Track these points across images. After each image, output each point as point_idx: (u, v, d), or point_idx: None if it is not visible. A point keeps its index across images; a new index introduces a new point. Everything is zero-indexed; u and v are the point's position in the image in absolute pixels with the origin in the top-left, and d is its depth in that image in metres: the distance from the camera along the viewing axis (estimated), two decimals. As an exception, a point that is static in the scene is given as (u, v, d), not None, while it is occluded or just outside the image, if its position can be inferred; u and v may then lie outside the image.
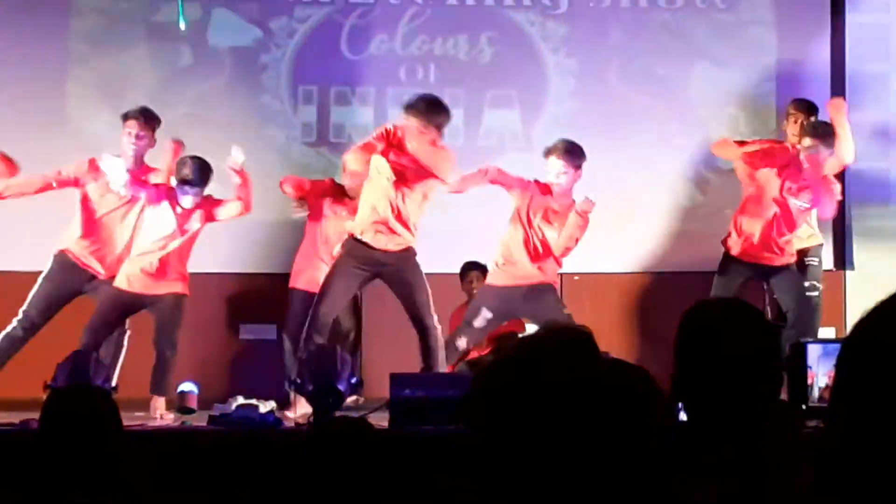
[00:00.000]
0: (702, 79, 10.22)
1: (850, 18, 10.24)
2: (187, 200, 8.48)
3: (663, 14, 10.28)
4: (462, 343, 8.46)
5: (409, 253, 8.18)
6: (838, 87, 10.14)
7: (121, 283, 8.49)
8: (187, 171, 8.43)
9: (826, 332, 8.90)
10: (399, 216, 8.11)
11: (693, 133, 10.12)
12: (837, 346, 1.76)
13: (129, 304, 8.52)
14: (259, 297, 9.82)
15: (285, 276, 9.62)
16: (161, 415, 8.25)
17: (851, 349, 1.73)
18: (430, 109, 8.12)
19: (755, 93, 10.18)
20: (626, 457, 2.00)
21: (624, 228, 9.82)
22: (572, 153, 8.46)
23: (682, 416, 2.98)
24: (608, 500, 1.95)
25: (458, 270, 9.40)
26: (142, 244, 8.56)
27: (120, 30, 9.97)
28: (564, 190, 8.47)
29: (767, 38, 10.31)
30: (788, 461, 2.81)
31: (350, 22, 10.11)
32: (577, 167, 8.46)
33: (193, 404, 8.10)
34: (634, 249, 9.93)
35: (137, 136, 8.56)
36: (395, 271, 8.19)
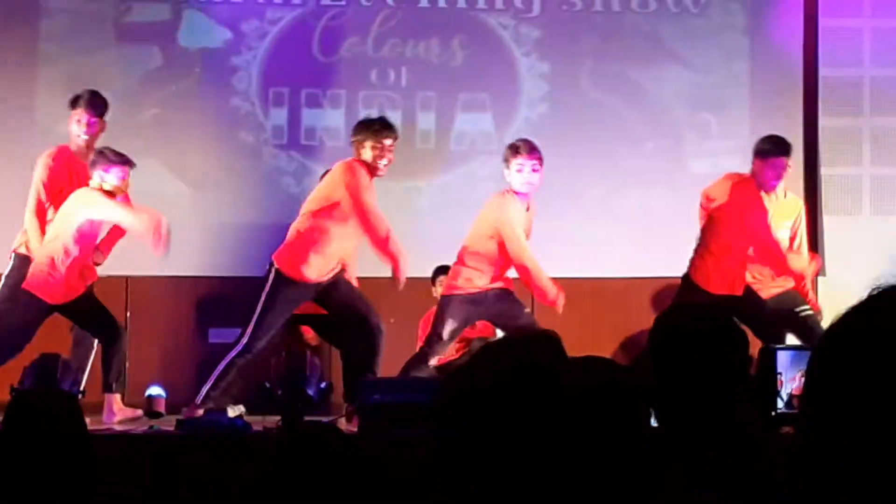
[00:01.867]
0: (674, 83, 10.22)
1: (823, 23, 10.26)
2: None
3: (636, 18, 10.28)
4: (433, 361, 8.31)
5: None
6: (811, 92, 10.17)
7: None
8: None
9: (793, 339, 8.90)
10: None
11: (665, 137, 10.12)
12: (807, 352, 1.75)
13: None
14: (228, 300, 9.78)
15: (255, 280, 9.57)
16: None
17: (822, 355, 1.71)
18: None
19: (728, 98, 10.19)
20: (599, 456, 1.98)
21: (593, 232, 9.81)
22: (537, 149, 8.29)
23: (653, 422, 2.96)
24: (579, 500, 1.93)
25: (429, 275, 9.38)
26: None
27: (89, 31, 9.92)
28: (536, 188, 8.31)
29: (740, 43, 10.32)
30: (759, 466, 2.80)
31: (321, 24, 10.08)
32: (542, 163, 8.31)
33: (161, 408, 8.06)
34: (603, 253, 9.92)
35: (88, 124, 8.46)
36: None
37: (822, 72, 10.26)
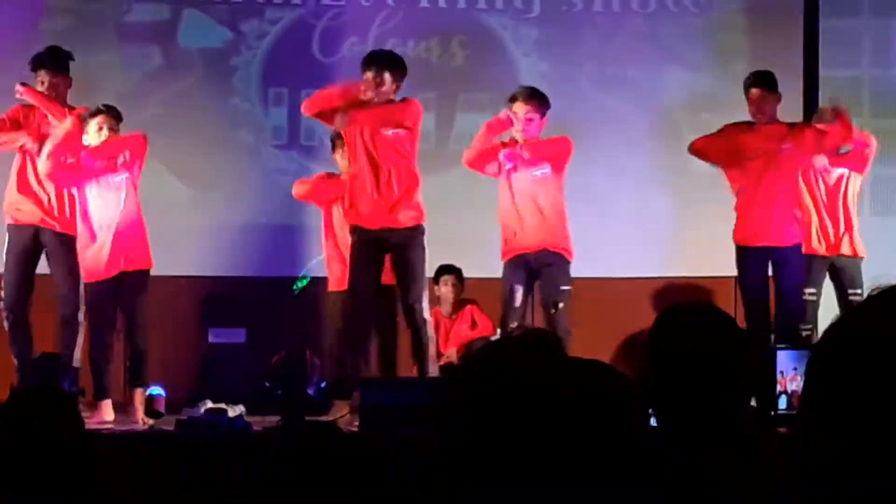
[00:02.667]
0: (674, 83, 10.22)
1: (824, 23, 10.26)
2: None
3: (636, 18, 10.28)
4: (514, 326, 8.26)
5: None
6: (811, 92, 10.17)
7: None
8: None
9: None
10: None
11: (665, 137, 10.12)
12: (806, 352, 1.75)
13: None
14: (228, 300, 9.78)
15: (255, 280, 9.60)
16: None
17: (822, 355, 1.71)
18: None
19: (727, 98, 10.19)
20: (595, 457, 1.98)
21: (593, 232, 9.80)
22: (538, 97, 8.41)
23: (653, 422, 2.96)
24: (579, 500, 1.94)
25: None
26: None
27: (90, 30, 9.91)
28: (533, 136, 8.40)
29: (740, 43, 10.32)
30: (758, 466, 2.80)
31: (322, 24, 10.08)
32: (543, 114, 8.41)
33: (161, 408, 8.05)
34: (603, 254, 9.91)
35: (52, 84, 8.45)
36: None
37: (822, 72, 10.26)
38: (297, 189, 9.07)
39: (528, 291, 8.44)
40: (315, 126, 9.97)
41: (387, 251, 8.13)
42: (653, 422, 2.98)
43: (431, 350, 8.10)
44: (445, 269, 9.38)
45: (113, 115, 8.33)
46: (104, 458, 4.17)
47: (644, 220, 10.03)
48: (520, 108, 8.39)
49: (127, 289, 8.29)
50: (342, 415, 7.58)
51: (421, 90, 9.96)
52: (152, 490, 6.24)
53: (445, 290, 9.44)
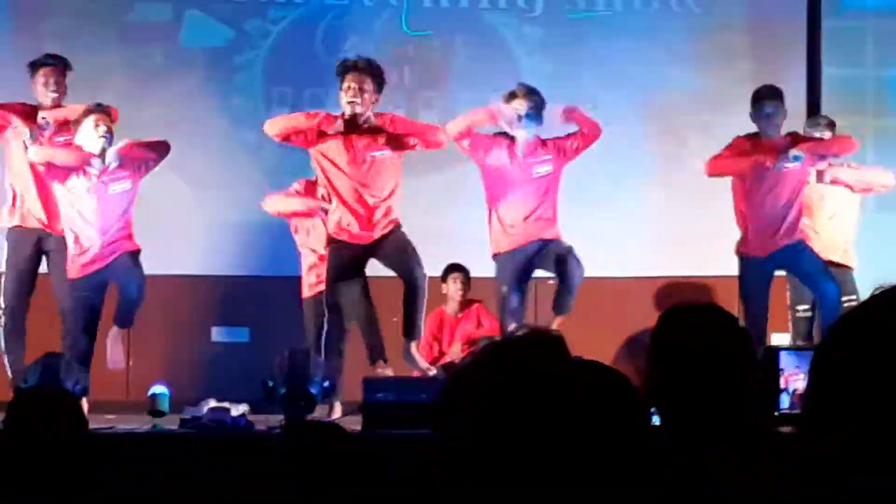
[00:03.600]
0: (676, 82, 10.22)
1: (827, 23, 10.25)
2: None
3: (638, 17, 10.28)
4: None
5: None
6: (814, 92, 10.17)
7: None
8: None
9: (779, 339, 8.90)
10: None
11: (667, 137, 10.12)
12: (809, 352, 1.75)
13: None
14: (231, 299, 9.79)
15: (258, 279, 9.60)
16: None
17: (825, 354, 1.71)
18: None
19: (730, 97, 10.19)
20: (598, 457, 1.99)
21: (594, 231, 9.80)
22: (536, 93, 8.41)
23: (656, 421, 2.96)
24: (581, 500, 1.94)
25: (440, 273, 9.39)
26: None
27: (92, 30, 9.92)
28: (535, 132, 8.43)
29: (743, 43, 10.32)
30: (761, 466, 2.80)
31: (324, 23, 10.08)
32: (541, 112, 8.42)
33: (165, 407, 8.05)
34: (604, 253, 9.91)
35: (57, 83, 8.45)
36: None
37: (826, 71, 10.25)
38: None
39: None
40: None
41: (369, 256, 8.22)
42: (655, 421, 2.99)
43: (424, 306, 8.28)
44: (454, 268, 9.40)
45: (106, 112, 8.29)
46: (106, 458, 4.18)
47: (645, 219, 10.03)
48: (520, 104, 8.37)
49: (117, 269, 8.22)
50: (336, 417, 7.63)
51: (423, 89, 9.97)
52: (155, 489, 6.24)
53: (454, 287, 9.43)
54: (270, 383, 7.31)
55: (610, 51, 10.22)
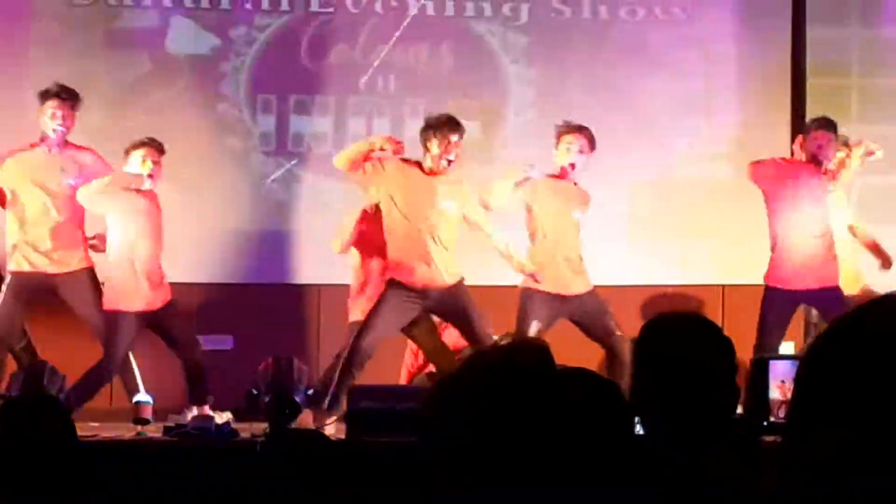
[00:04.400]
0: (662, 90, 10.22)
1: (811, 32, 10.28)
2: None
3: (624, 25, 10.29)
4: None
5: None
6: (798, 99, 10.18)
7: None
8: None
9: (786, 348, 8.88)
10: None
11: (653, 144, 10.12)
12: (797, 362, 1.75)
13: None
14: (216, 307, 9.77)
15: (243, 287, 9.58)
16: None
17: (810, 365, 1.72)
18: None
19: (716, 105, 10.21)
20: (583, 465, 1.99)
21: (584, 240, 9.81)
22: (586, 130, 8.42)
23: (639, 430, 2.97)
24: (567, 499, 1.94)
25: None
26: None
27: (78, 37, 9.90)
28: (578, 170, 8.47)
29: (728, 50, 10.33)
30: (745, 475, 2.80)
31: (310, 31, 10.08)
32: (592, 147, 8.46)
33: (148, 415, 8.03)
34: (594, 262, 9.90)
35: (64, 117, 8.36)
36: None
37: (811, 80, 10.27)
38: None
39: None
40: (303, 133, 9.97)
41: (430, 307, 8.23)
42: (638, 429, 2.99)
43: None
44: None
45: (157, 147, 8.36)
46: (91, 465, 4.16)
47: (631, 227, 10.03)
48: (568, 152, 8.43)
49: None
50: (329, 422, 7.60)
51: (409, 97, 9.97)
52: (140, 497, 6.23)
53: None
54: (255, 391, 7.30)
55: (595, 58, 10.23)
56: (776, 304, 8.54)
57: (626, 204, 10.06)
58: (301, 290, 9.68)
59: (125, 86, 9.92)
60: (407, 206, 8.14)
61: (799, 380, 1.72)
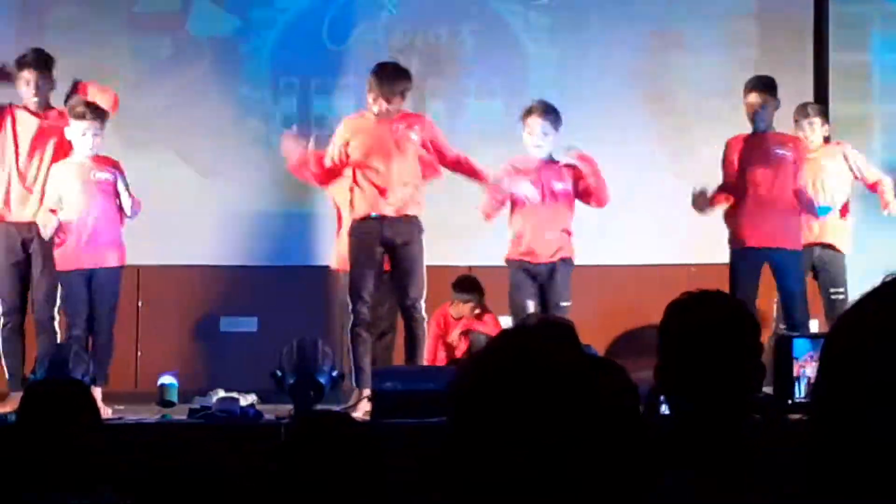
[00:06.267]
0: (683, 69, 10.20)
1: (833, 8, 10.23)
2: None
3: (645, 5, 10.26)
4: None
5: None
6: (821, 79, 10.14)
7: None
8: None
9: (811, 326, 8.87)
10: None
11: (673, 123, 10.10)
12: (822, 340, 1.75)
13: None
14: (239, 289, 9.79)
15: (266, 268, 9.60)
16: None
17: (835, 342, 1.71)
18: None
19: (736, 84, 10.17)
20: (607, 447, 1.99)
21: (602, 219, 9.79)
22: (553, 112, 8.36)
23: (665, 410, 2.97)
24: (590, 492, 1.93)
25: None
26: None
27: (100, 19, 9.92)
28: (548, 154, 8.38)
29: (749, 28, 10.29)
30: (771, 454, 2.80)
31: (331, 12, 10.07)
32: (557, 129, 8.39)
33: (173, 397, 8.06)
34: (613, 241, 9.90)
35: (38, 86, 8.22)
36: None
37: (833, 56, 10.23)
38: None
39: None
40: (325, 114, 9.97)
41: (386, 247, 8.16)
42: (664, 410, 2.99)
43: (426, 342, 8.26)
44: (466, 287, 9.23)
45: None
46: (116, 448, 4.18)
47: (651, 206, 10.02)
48: (536, 121, 8.31)
49: None
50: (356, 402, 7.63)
51: (431, 77, 9.96)
52: (164, 479, 6.25)
53: (466, 309, 9.23)
54: (279, 373, 7.31)
55: (616, 38, 10.20)
56: (740, 263, 8.72)
57: (646, 183, 10.04)
58: (324, 271, 9.68)
59: (147, 69, 9.94)
60: (367, 147, 8.09)
61: (822, 358, 1.72)
